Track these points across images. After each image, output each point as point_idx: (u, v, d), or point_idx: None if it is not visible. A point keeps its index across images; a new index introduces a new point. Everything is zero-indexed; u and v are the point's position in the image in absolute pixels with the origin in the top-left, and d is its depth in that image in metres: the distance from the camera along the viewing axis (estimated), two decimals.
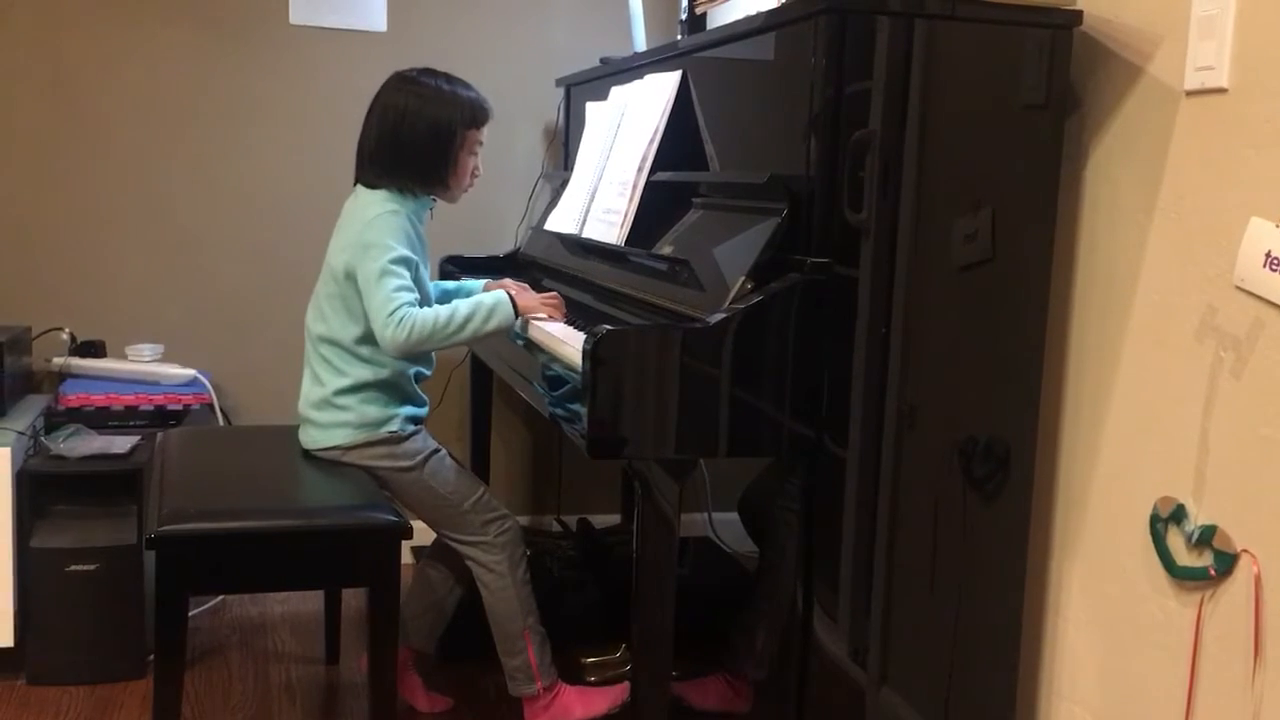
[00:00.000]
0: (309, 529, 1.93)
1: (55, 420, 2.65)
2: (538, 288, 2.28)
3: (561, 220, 2.52)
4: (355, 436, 2.14)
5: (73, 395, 2.68)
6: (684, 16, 2.99)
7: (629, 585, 1.73)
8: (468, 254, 2.95)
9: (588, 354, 1.63)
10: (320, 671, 2.55)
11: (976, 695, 1.89)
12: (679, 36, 2.99)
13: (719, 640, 2.20)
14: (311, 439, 2.18)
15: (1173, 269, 1.73)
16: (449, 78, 2.18)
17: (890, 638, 1.82)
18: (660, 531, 1.71)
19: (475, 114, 2.17)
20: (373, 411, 2.14)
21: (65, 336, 2.87)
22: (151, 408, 2.73)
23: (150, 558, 1.95)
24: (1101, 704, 1.88)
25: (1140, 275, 1.79)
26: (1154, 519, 1.75)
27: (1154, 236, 1.76)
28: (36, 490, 2.45)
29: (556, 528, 3.25)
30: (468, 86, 2.19)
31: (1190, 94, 1.69)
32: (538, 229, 2.79)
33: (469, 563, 2.18)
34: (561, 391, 1.81)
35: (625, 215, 2.14)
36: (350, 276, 2.09)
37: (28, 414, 2.58)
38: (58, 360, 2.82)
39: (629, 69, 2.51)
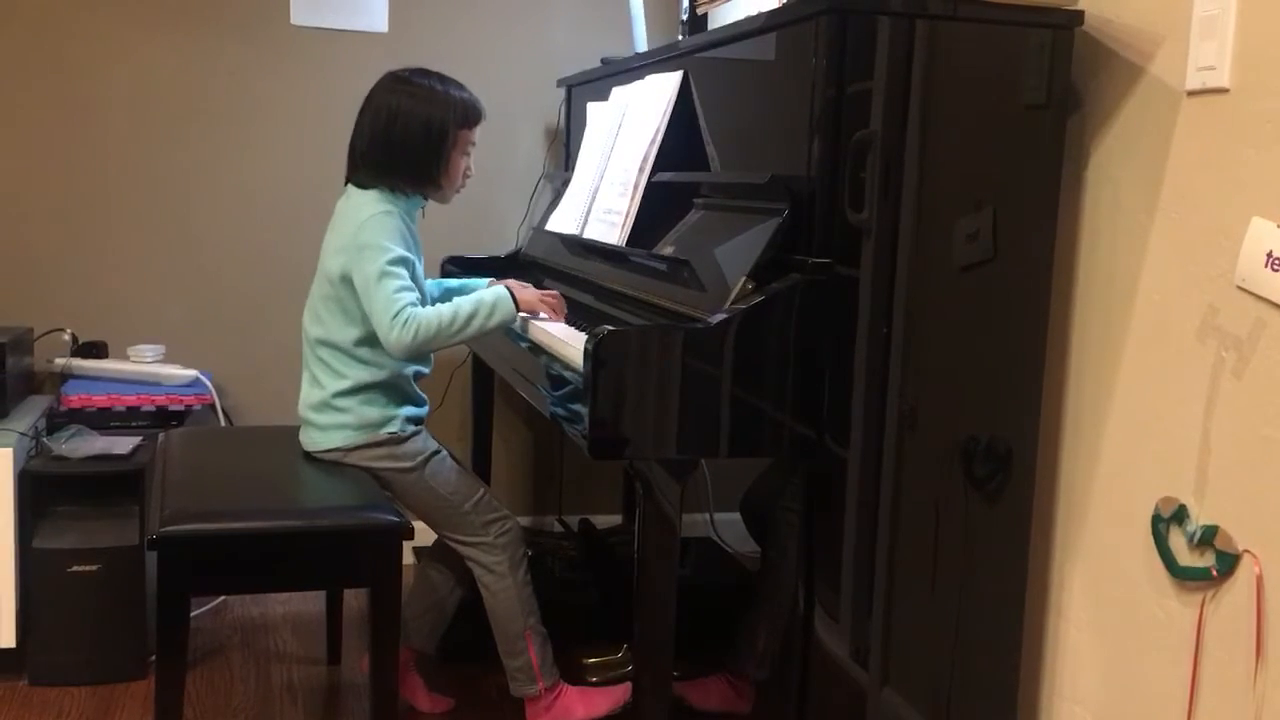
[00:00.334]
0: (310, 530, 1.93)
1: (57, 421, 2.65)
2: (539, 288, 2.28)
3: (563, 221, 2.52)
4: (355, 438, 2.14)
5: (74, 396, 2.68)
6: (685, 17, 2.99)
7: (630, 586, 1.73)
8: (469, 254, 2.95)
9: (589, 354, 1.63)
10: (322, 672, 2.56)
11: (978, 696, 1.89)
12: (680, 37, 2.99)
13: (720, 640, 2.20)
14: (312, 441, 2.18)
15: (1174, 269, 1.73)
16: (442, 78, 2.18)
17: (892, 638, 1.82)
18: (662, 532, 1.71)
19: (468, 114, 2.17)
20: (372, 413, 2.14)
21: (67, 337, 2.88)
22: (153, 408, 2.73)
23: (152, 558, 1.96)
24: (1103, 704, 1.88)
25: (1141, 275, 1.78)
26: (1155, 519, 1.74)
27: (1155, 236, 1.76)
28: (38, 491, 2.45)
29: (558, 528, 3.25)
30: (460, 87, 2.19)
31: (1191, 94, 1.69)
32: (539, 229, 2.79)
33: (470, 563, 2.18)
34: (563, 392, 1.81)
35: (626, 216, 2.14)
36: (346, 279, 2.08)
37: (29, 415, 2.58)
38: (59, 361, 2.82)
39: (630, 69, 2.51)
